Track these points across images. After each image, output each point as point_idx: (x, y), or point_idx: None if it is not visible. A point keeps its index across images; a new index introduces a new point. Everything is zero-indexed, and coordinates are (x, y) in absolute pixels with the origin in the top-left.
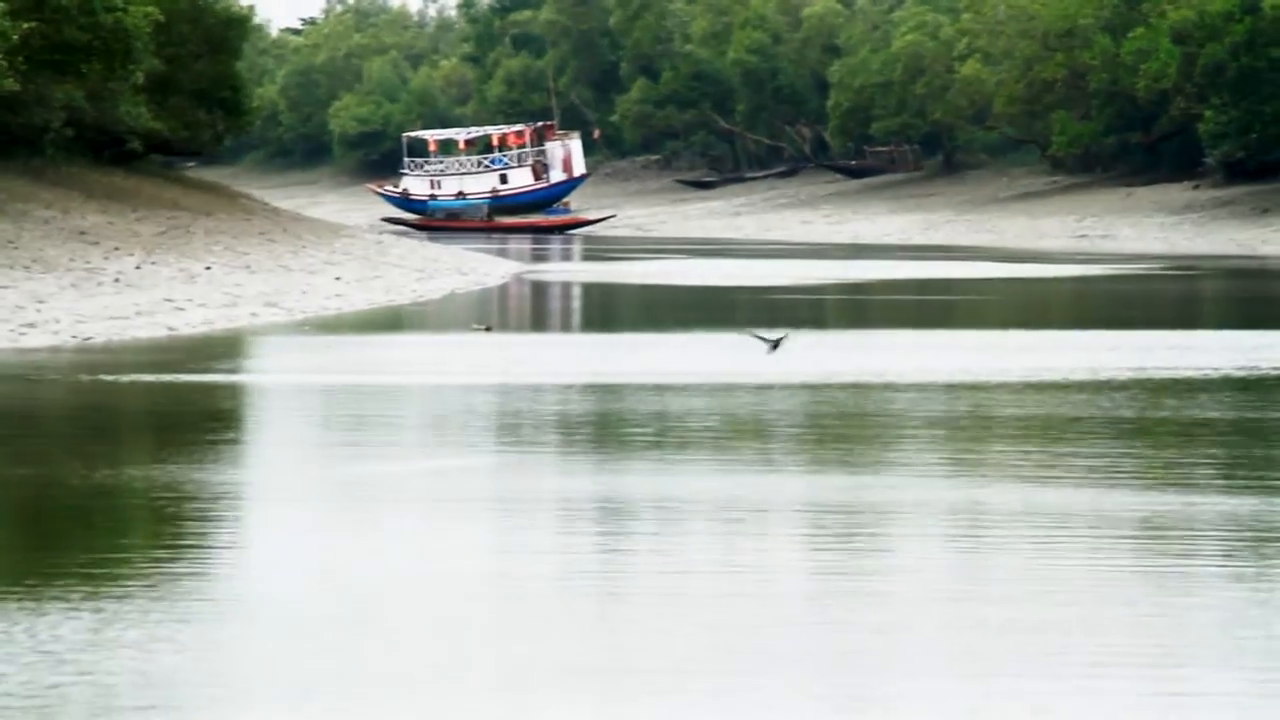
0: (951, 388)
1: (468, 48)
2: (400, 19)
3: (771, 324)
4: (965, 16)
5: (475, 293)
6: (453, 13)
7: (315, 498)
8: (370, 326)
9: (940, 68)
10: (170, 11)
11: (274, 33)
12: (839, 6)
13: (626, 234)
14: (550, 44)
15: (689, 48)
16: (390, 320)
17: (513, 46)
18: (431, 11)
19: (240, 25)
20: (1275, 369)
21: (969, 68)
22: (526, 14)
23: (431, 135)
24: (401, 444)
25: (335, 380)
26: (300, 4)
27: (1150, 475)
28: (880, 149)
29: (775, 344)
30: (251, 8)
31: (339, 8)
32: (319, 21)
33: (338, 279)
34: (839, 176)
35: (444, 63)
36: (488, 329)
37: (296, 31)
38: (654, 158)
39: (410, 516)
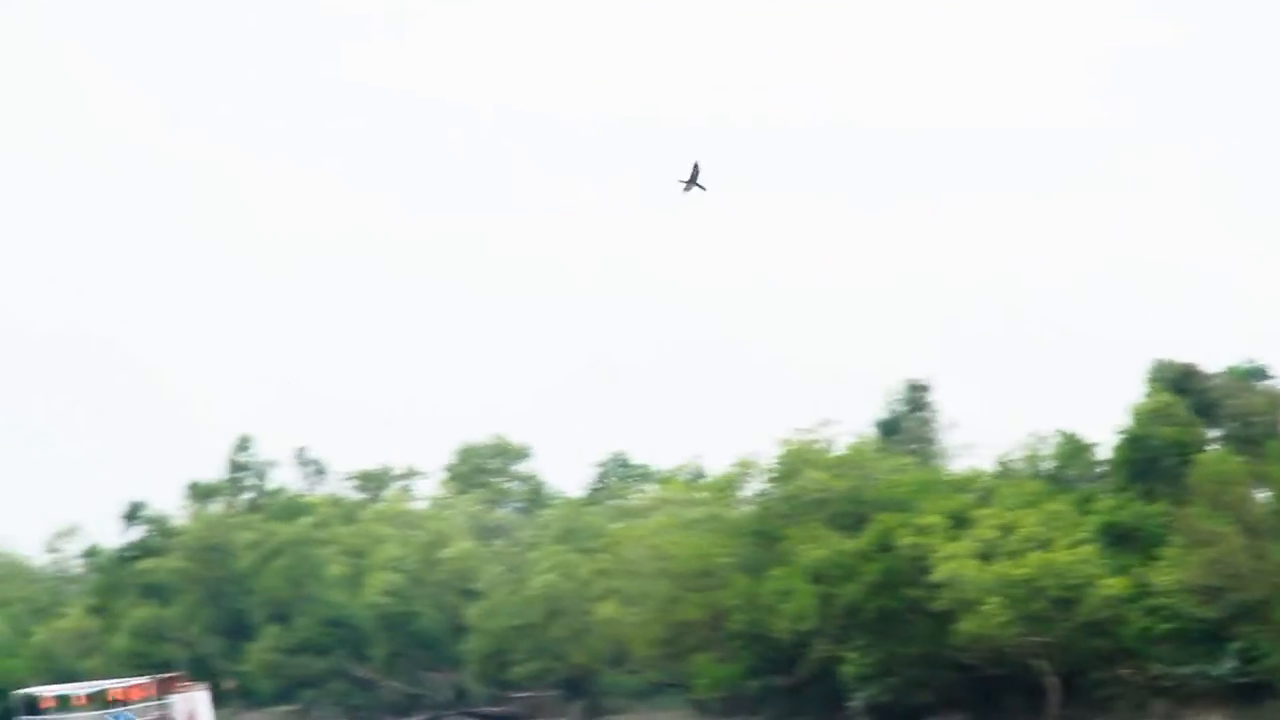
0: None
1: (92, 599)
2: (20, 572)
3: None
4: (601, 556)
5: None
6: (77, 563)
7: None
8: None
9: (578, 609)
10: None
11: None
12: (476, 548)
13: None
14: (178, 592)
15: (323, 592)
16: None
17: (139, 596)
18: (51, 558)
19: None
20: None
21: (606, 609)
22: (153, 562)
23: (46, 691)
24: None
25: None
26: None
27: None
28: (522, 694)
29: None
30: None
31: None
32: None
33: None
34: None
35: (67, 614)
36: None
37: None
38: (290, 708)
39: None
